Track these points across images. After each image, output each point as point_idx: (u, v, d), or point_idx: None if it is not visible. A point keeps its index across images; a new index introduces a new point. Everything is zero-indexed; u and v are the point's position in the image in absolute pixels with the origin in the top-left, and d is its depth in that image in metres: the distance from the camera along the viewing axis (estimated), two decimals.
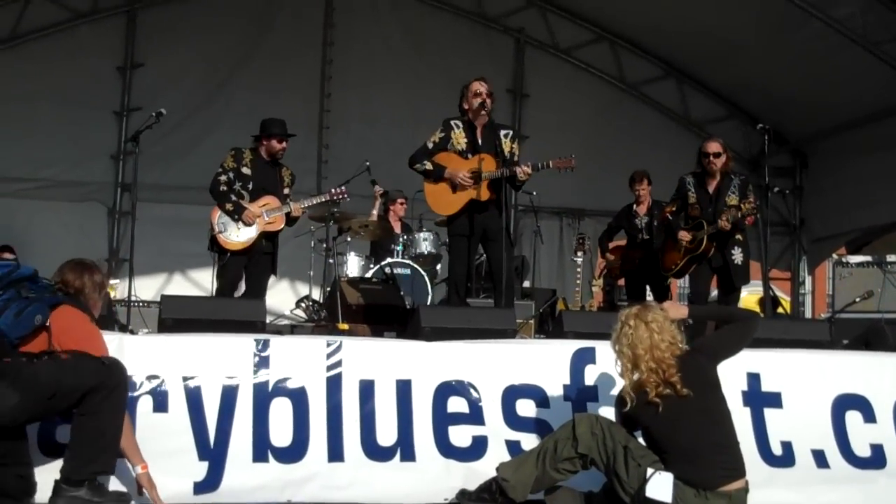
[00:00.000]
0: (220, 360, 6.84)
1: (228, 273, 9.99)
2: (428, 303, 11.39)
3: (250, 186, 10.02)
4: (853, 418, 7.51)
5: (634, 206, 12.21)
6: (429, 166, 9.12)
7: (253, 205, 9.94)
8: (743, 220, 9.81)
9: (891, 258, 12.99)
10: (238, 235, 9.88)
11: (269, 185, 10.15)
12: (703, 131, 15.31)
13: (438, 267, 12.47)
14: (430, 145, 9.19)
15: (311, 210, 10.66)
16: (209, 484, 6.42)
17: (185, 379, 6.70)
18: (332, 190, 10.66)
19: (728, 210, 9.74)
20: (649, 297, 11.60)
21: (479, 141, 9.16)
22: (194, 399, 6.67)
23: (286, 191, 10.26)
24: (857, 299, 11.96)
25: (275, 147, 10.11)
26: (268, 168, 10.20)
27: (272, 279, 10.51)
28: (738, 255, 9.96)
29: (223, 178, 9.99)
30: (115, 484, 6.16)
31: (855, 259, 13.55)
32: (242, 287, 10.24)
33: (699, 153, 10.10)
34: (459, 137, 9.16)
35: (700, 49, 15.27)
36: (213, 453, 6.54)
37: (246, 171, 10.03)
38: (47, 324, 5.91)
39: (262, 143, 10.15)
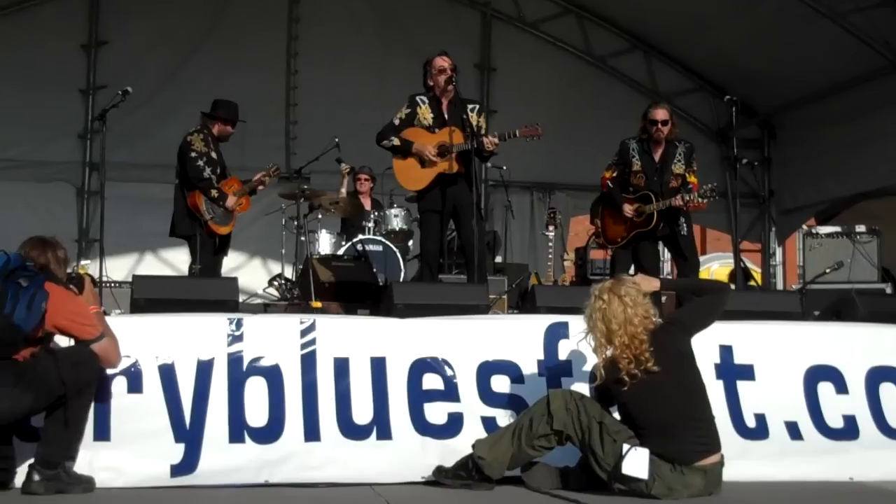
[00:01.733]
0: (193, 339, 6.82)
1: (207, 256, 10.06)
2: (401, 279, 11.38)
3: (218, 170, 10.10)
4: (825, 389, 7.53)
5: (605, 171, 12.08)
6: (396, 142, 9.09)
7: (229, 191, 10.05)
8: (695, 199, 9.46)
9: (860, 228, 13.04)
10: (225, 221, 10.09)
11: (225, 164, 10.28)
12: (671, 104, 15.31)
13: (410, 243, 12.46)
14: (397, 121, 9.17)
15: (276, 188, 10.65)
16: (186, 466, 6.40)
17: (158, 359, 6.67)
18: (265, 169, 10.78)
19: (688, 191, 9.43)
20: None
21: (446, 115, 9.15)
22: (169, 380, 6.65)
23: None
24: (828, 270, 12.00)
25: (228, 131, 10.09)
26: (221, 148, 10.29)
27: (243, 257, 10.52)
28: (683, 226, 9.68)
29: (201, 163, 10.00)
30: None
31: (825, 230, 13.60)
32: None
33: (644, 119, 9.72)
34: (426, 113, 9.15)
35: (667, 22, 15.27)
36: (190, 434, 6.52)
37: (213, 154, 10.08)
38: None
39: (214, 124, 10.09)
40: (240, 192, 9.97)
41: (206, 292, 7.65)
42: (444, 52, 9.25)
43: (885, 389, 7.62)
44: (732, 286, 11.13)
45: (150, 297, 7.37)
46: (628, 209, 9.69)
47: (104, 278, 9.81)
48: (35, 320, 5.85)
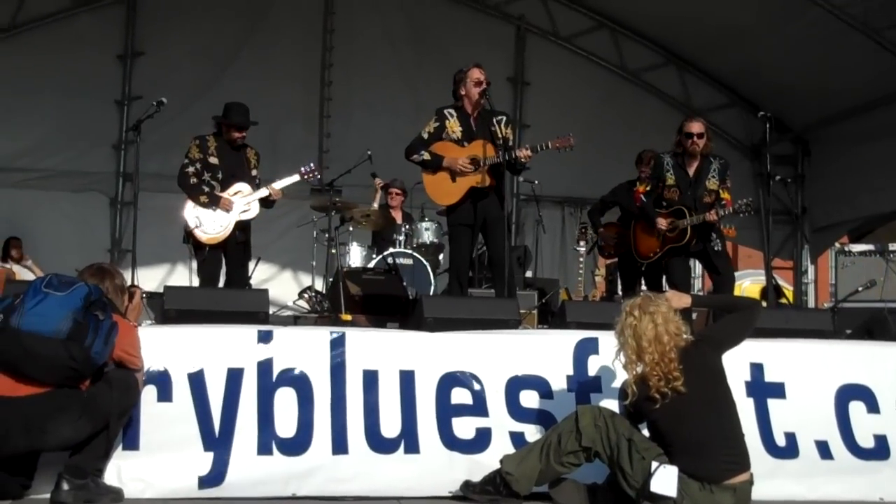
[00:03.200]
0: (223, 351, 6.85)
1: (208, 268, 9.90)
2: (430, 293, 11.37)
3: (220, 175, 9.90)
4: (857, 409, 7.50)
5: (638, 184, 12.05)
6: (427, 156, 9.06)
7: (226, 194, 9.86)
8: (731, 214, 9.44)
9: (893, 246, 12.97)
10: (214, 228, 9.78)
11: (238, 170, 9.99)
12: (705, 119, 15.26)
13: (441, 257, 12.45)
14: (426, 135, 9.13)
15: (287, 192, 10.48)
16: (214, 478, 6.43)
17: (189, 370, 6.71)
18: (303, 168, 10.55)
19: (723, 207, 9.37)
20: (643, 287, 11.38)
21: (474, 128, 9.11)
22: (199, 391, 6.69)
23: (254, 172, 10.12)
24: (860, 288, 11.93)
25: (233, 136, 9.94)
26: (233, 153, 10.03)
27: (274, 269, 10.46)
28: (717, 243, 9.62)
29: (191, 169, 9.86)
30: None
31: (857, 248, 13.54)
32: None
33: (680, 133, 9.67)
34: (454, 126, 9.11)
35: (701, 36, 15.21)
36: (218, 445, 6.55)
37: (213, 160, 9.89)
38: None
39: (225, 128, 10.04)
40: (242, 197, 9.85)
41: (236, 304, 7.66)
42: (478, 63, 9.19)
43: None
44: (765, 304, 11.07)
45: (181, 307, 7.38)
46: (662, 223, 9.63)
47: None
48: (108, 354, 5.97)
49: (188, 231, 9.82)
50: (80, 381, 5.90)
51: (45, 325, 5.74)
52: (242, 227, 9.99)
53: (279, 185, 10.12)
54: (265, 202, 10.04)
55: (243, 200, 9.85)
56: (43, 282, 5.92)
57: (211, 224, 9.77)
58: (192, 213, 9.79)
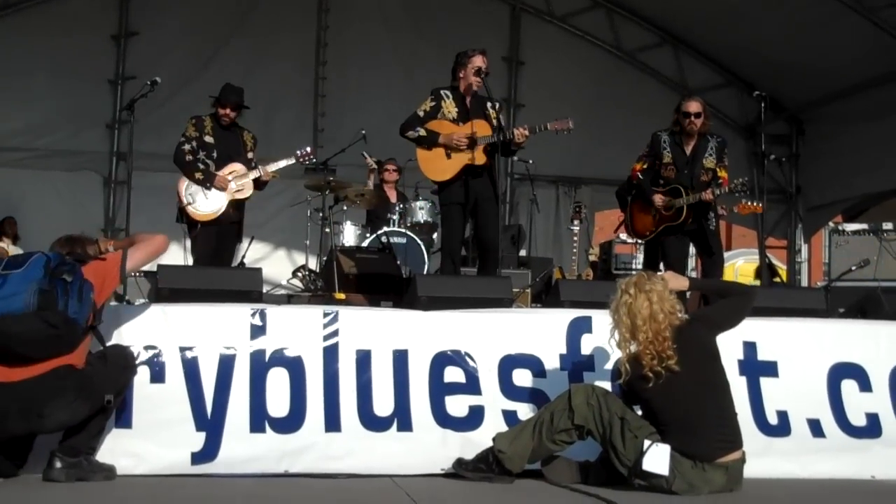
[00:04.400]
0: (216, 330, 6.84)
1: (200, 245, 9.91)
2: (424, 272, 11.38)
3: (215, 154, 9.93)
4: (849, 387, 7.50)
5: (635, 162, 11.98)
6: (423, 132, 9.08)
7: (220, 173, 9.87)
8: (727, 193, 9.55)
9: (887, 226, 12.94)
10: (207, 206, 9.81)
11: (233, 151, 10.04)
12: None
13: (435, 236, 12.45)
14: (421, 113, 9.16)
15: (282, 171, 10.49)
16: (206, 454, 6.44)
17: (182, 349, 6.71)
18: (298, 152, 10.55)
19: (719, 186, 9.41)
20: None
21: (469, 110, 9.16)
22: (191, 369, 6.68)
23: (250, 154, 10.15)
24: (854, 267, 11.95)
25: (227, 115, 9.95)
26: (229, 134, 10.08)
27: (268, 248, 10.45)
28: (712, 221, 9.67)
29: (186, 147, 9.91)
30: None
31: (851, 227, 13.52)
32: None
33: (677, 111, 9.69)
34: (450, 106, 9.15)
35: (697, 16, 15.21)
36: (211, 423, 6.55)
37: (208, 139, 9.94)
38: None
39: (218, 108, 10.04)
40: (236, 176, 9.86)
41: (229, 282, 7.63)
42: (484, 50, 9.24)
43: None
44: (759, 283, 11.08)
45: (174, 286, 7.35)
46: (659, 199, 9.65)
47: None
48: (88, 310, 5.96)
49: (181, 208, 9.82)
50: (73, 347, 5.88)
51: (13, 304, 5.72)
52: (236, 207, 10.00)
53: (273, 167, 10.12)
54: (257, 183, 10.06)
55: (237, 180, 9.85)
56: None
57: (204, 202, 9.79)
58: (186, 191, 9.83)
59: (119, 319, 6.66)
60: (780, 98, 15.35)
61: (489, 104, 9.21)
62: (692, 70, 16.25)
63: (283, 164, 10.27)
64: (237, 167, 9.89)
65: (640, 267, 12.36)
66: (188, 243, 10.15)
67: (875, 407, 7.47)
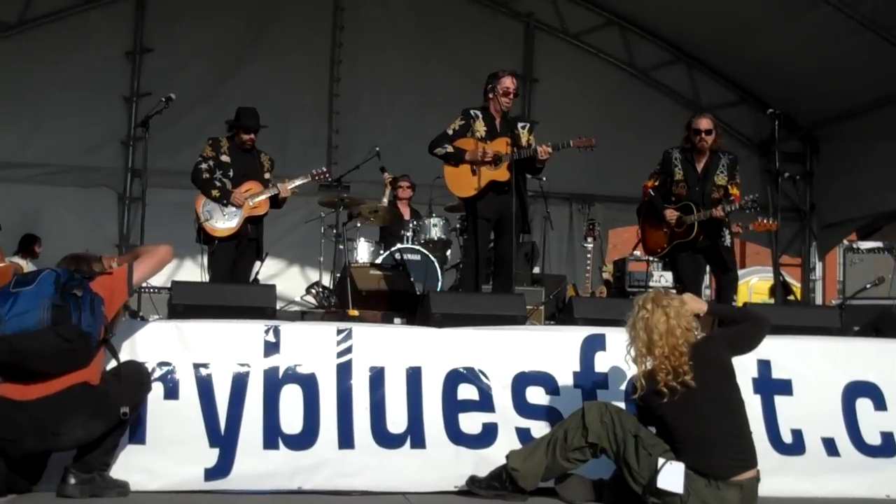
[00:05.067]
0: (230, 346, 6.86)
1: (219, 262, 9.96)
2: (438, 289, 11.37)
3: (231, 174, 10.00)
4: (863, 406, 7.48)
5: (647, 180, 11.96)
6: (450, 149, 9.19)
7: (237, 190, 9.93)
8: (738, 210, 9.49)
9: None
10: (224, 222, 9.88)
11: (250, 171, 10.12)
12: (714, 116, 15.26)
13: (448, 253, 12.45)
14: (451, 132, 9.28)
15: (299, 189, 10.53)
16: (220, 471, 6.45)
17: (196, 366, 6.74)
18: (314, 170, 10.60)
19: (730, 203, 9.39)
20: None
21: (498, 129, 9.27)
22: (205, 386, 6.70)
23: (267, 176, 10.23)
24: (868, 285, 11.91)
25: (241, 138, 10.05)
26: (246, 155, 10.16)
27: (282, 264, 10.46)
28: (727, 238, 9.62)
29: (204, 165, 9.98)
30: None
31: (866, 245, 13.50)
32: None
33: (688, 129, 9.67)
34: (479, 127, 9.27)
35: (710, 34, 15.21)
36: (224, 440, 6.56)
37: (225, 159, 10.01)
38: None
39: (235, 132, 10.11)
40: (253, 194, 9.93)
41: (243, 299, 7.65)
42: (514, 72, 9.38)
43: None
44: (773, 300, 11.05)
45: (189, 303, 7.38)
46: (670, 214, 9.62)
47: (143, 284, 9.85)
48: (100, 323, 6.00)
49: (199, 225, 9.87)
50: (87, 361, 5.91)
51: (27, 322, 5.76)
52: (254, 224, 10.08)
53: (290, 185, 10.18)
54: (275, 201, 10.13)
55: (254, 198, 9.90)
56: (10, 285, 5.95)
57: (221, 218, 9.88)
58: (203, 208, 9.91)
59: (133, 335, 6.68)
60: (794, 116, 15.30)
61: (521, 125, 9.34)
62: (706, 88, 16.24)
63: (298, 182, 10.32)
64: (254, 185, 9.95)
65: (654, 284, 12.35)
66: (205, 260, 10.17)
67: (890, 426, 7.45)
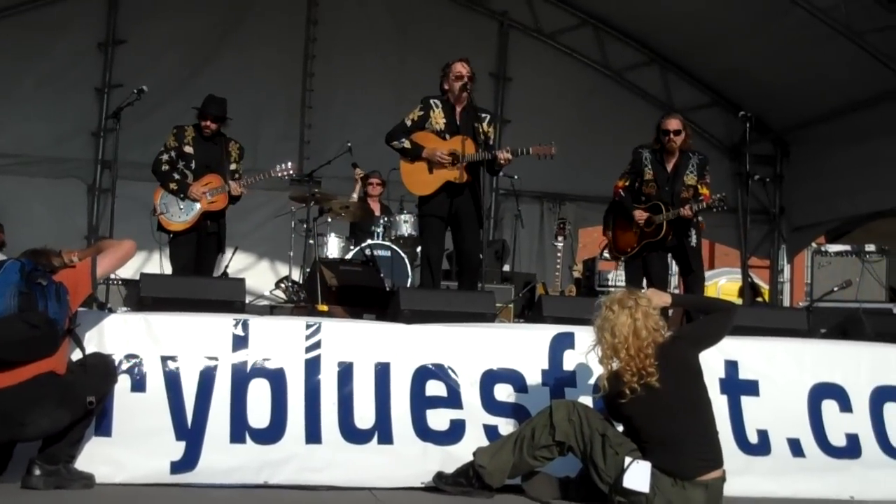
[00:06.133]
0: (199, 339, 6.85)
1: (177, 255, 9.93)
2: (408, 285, 11.37)
3: (193, 165, 9.94)
4: (829, 407, 7.55)
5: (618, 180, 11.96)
6: (407, 144, 9.04)
7: (196, 184, 9.86)
8: (705, 209, 9.51)
9: (869, 248, 13.01)
10: (180, 216, 9.83)
11: (213, 162, 10.02)
12: (686, 119, 15.31)
13: (419, 249, 12.44)
14: (409, 123, 9.13)
15: (258, 185, 10.49)
16: (186, 464, 6.43)
17: (163, 358, 6.72)
18: (278, 166, 10.52)
19: (699, 202, 9.43)
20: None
21: (458, 122, 9.12)
22: (172, 379, 6.69)
23: (233, 166, 10.14)
24: (836, 288, 11.96)
25: (208, 126, 9.96)
26: (211, 144, 10.07)
27: (251, 258, 10.42)
28: (693, 238, 9.67)
29: (164, 157, 9.93)
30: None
31: (834, 248, 13.57)
32: None
33: (658, 129, 9.70)
34: (438, 117, 9.10)
35: (684, 36, 15.25)
36: (191, 433, 6.55)
37: (188, 149, 9.94)
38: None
39: (202, 119, 10.05)
40: (212, 189, 9.85)
41: (212, 292, 7.63)
42: (465, 58, 9.22)
43: (889, 409, 7.66)
44: (740, 301, 11.08)
45: (157, 295, 7.35)
46: (639, 215, 9.64)
47: (112, 276, 9.82)
48: (66, 311, 6.01)
49: (157, 217, 9.84)
50: (54, 349, 5.89)
51: None
52: (213, 218, 10.02)
53: (248, 181, 10.12)
54: (231, 197, 10.06)
55: (213, 193, 9.85)
56: None
57: (178, 212, 9.84)
58: (161, 200, 9.88)
59: (101, 327, 6.66)
60: (765, 119, 15.39)
61: (482, 116, 9.19)
62: (678, 90, 16.27)
63: (259, 177, 10.26)
64: (213, 179, 9.88)
65: (622, 285, 12.38)
66: (165, 253, 10.13)
67: (855, 428, 7.52)
